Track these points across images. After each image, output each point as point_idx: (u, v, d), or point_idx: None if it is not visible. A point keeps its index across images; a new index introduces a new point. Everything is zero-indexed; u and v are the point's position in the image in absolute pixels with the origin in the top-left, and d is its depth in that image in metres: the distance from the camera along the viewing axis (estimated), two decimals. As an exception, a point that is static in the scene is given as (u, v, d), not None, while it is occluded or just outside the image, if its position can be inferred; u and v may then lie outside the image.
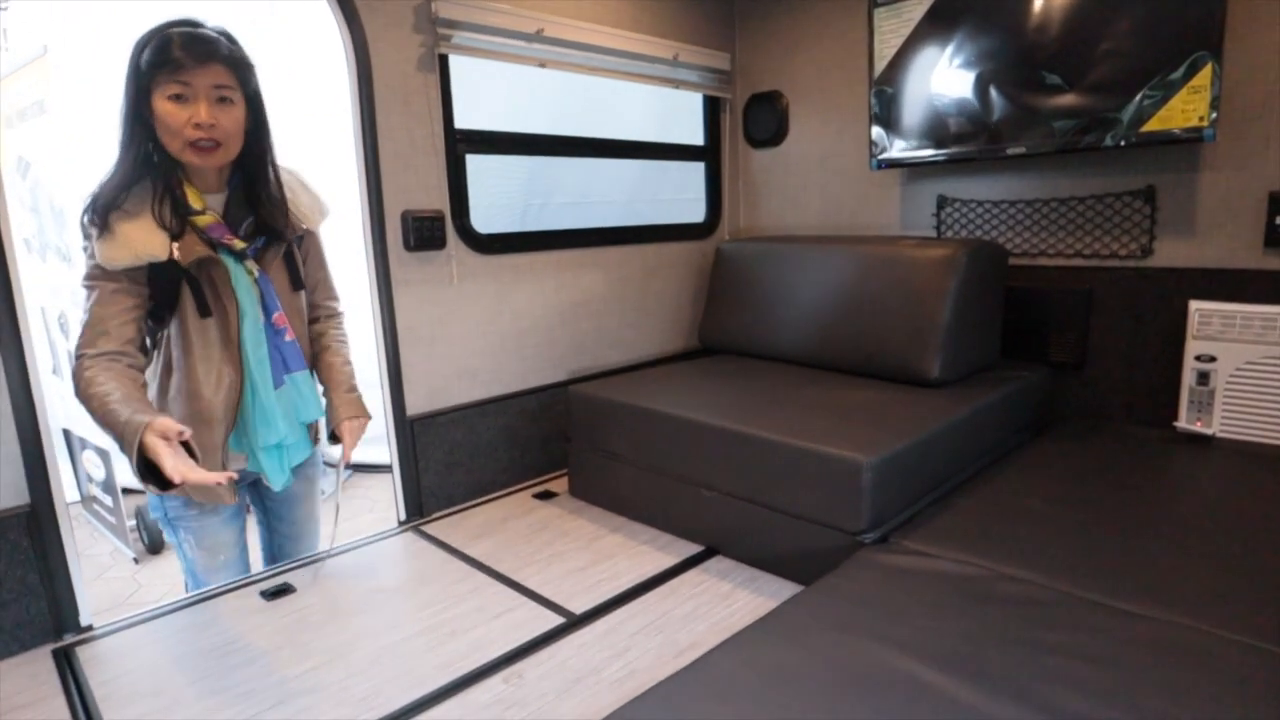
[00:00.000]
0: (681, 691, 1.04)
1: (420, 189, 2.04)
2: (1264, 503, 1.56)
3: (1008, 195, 2.33)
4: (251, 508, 1.72)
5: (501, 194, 2.72)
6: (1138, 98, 1.90)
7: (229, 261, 1.41)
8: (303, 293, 1.58)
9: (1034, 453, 1.95)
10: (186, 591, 1.66)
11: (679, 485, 1.86)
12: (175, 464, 1.15)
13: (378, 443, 2.08)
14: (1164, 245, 2.08)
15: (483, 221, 2.22)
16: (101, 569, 2.85)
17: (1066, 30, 1.99)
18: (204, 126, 1.31)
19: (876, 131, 2.43)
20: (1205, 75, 1.80)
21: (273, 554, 1.78)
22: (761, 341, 2.45)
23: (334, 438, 1.63)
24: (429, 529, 2.00)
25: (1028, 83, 2.07)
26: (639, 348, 2.70)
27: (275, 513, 1.72)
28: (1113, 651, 1.09)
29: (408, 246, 2.01)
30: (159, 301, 1.39)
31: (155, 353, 1.45)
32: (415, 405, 2.07)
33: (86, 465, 3.13)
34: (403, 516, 2.07)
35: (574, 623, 1.49)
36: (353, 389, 1.65)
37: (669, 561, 1.75)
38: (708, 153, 2.92)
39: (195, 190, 1.39)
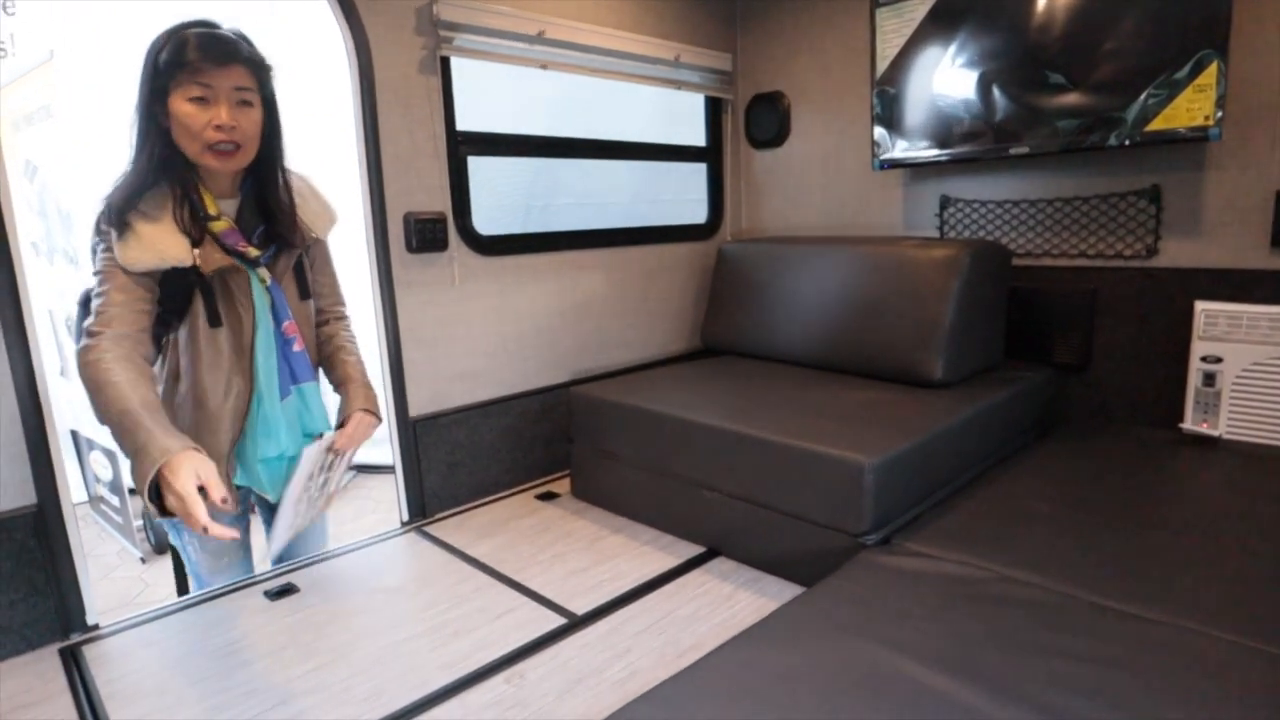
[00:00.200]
0: (683, 692, 1.04)
1: (422, 191, 2.05)
2: (1271, 505, 1.55)
3: (1011, 195, 2.32)
4: (256, 509, 1.73)
5: (503, 195, 2.72)
6: (1142, 97, 1.89)
7: (246, 269, 1.41)
8: (310, 302, 1.57)
9: (1038, 454, 1.94)
10: (192, 591, 1.67)
11: (681, 486, 1.86)
12: (203, 514, 1.11)
13: (380, 443, 2.09)
14: (1169, 245, 2.07)
15: (485, 223, 2.23)
16: (108, 568, 2.87)
17: (1070, 29, 1.98)
18: (225, 129, 1.29)
19: (879, 132, 2.42)
20: (1211, 74, 1.79)
21: (277, 555, 1.78)
22: (764, 342, 2.44)
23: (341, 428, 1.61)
24: (432, 530, 2.01)
25: (1031, 82, 2.07)
26: (641, 349, 2.71)
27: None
28: (1118, 655, 1.08)
29: (410, 248, 2.02)
30: (168, 307, 1.38)
31: (160, 358, 1.44)
32: (418, 406, 2.08)
33: (94, 466, 3.15)
34: (405, 517, 2.08)
35: (576, 623, 1.50)
36: (369, 384, 1.63)
37: (671, 562, 1.75)
38: (709, 154, 2.92)
39: (210, 195, 1.37)
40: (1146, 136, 1.91)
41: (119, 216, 1.29)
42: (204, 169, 1.35)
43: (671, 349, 2.81)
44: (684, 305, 2.84)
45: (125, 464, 2.90)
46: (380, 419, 1.64)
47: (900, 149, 2.38)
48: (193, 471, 1.13)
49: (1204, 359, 1.94)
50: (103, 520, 3.21)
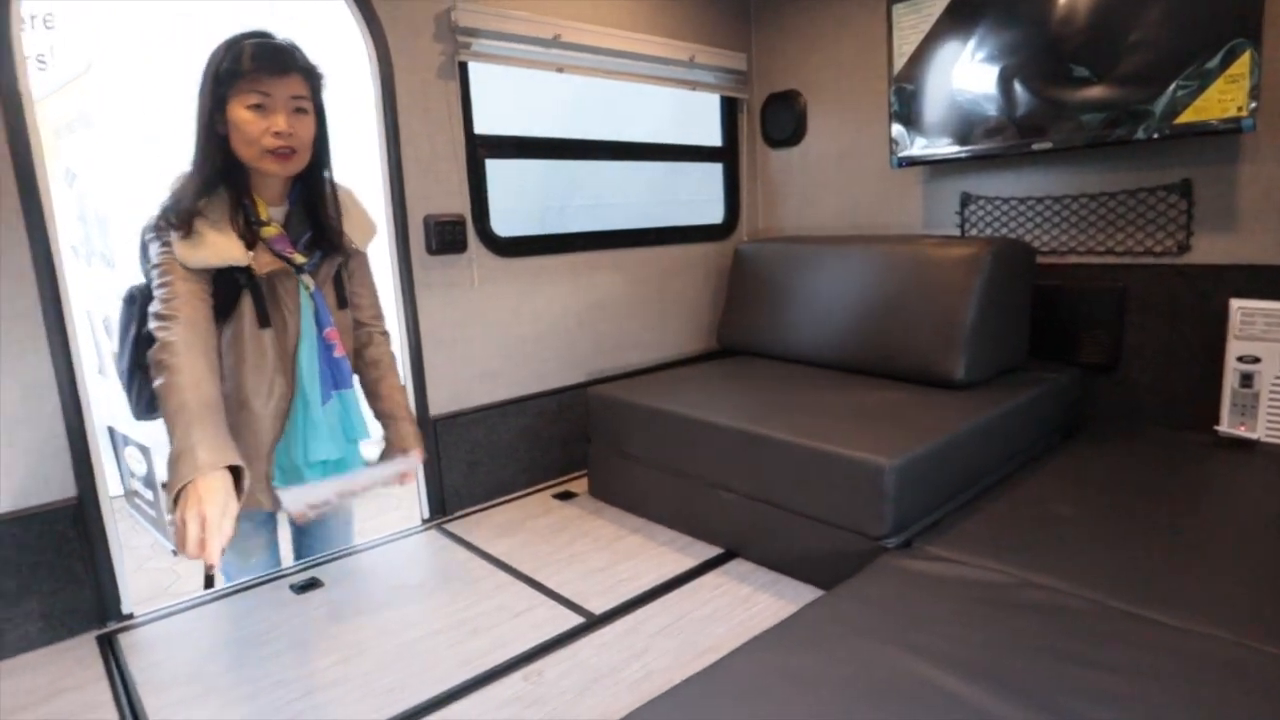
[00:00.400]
0: (700, 693, 1.04)
1: (441, 194, 2.07)
2: (1307, 509, 1.51)
3: (1034, 191, 2.28)
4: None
5: (521, 197, 2.74)
6: (1171, 88, 1.84)
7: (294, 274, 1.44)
8: (347, 311, 1.60)
9: (1064, 457, 1.91)
10: (222, 582, 1.71)
11: (698, 487, 1.86)
12: (199, 537, 1.14)
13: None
14: (1202, 241, 2.01)
15: (503, 225, 2.25)
16: (142, 560, 2.95)
17: (1094, 21, 1.94)
18: (283, 135, 1.33)
19: (897, 129, 2.40)
20: (1243, 63, 1.74)
21: (301, 554, 1.82)
22: (781, 342, 2.43)
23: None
24: (451, 527, 2.03)
25: (1054, 76, 2.03)
26: (658, 349, 2.71)
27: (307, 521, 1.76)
28: (1146, 664, 1.06)
29: (429, 250, 2.05)
30: (215, 305, 1.40)
31: None
32: (438, 405, 2.11)
33: (129, 461, 3.24)
34: (426, 515, 2.11)
35: (593, 623, 1.51)
36: (415, 420, 1.67)
37: (689, 563, 1.75)
38: (725, 154, 2.92)
39: (262, 201, 1.42)
40: (1176, 129, 1.86)
41: (183, 218, 1.32)
42: (257, 175, 1.39)
43: (688, 349, 2.81)
44: (700, 306, 2.84)
45: (159, 459, 2.99)
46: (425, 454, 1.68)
47: (919, 146, 2.36)
48: (223, 505, 1.15)
49: (1241, 359, 1.89)
50: (137, 514, 3.31)
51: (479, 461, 2.20)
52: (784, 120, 2.82)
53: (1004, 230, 2.36)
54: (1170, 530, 1.47)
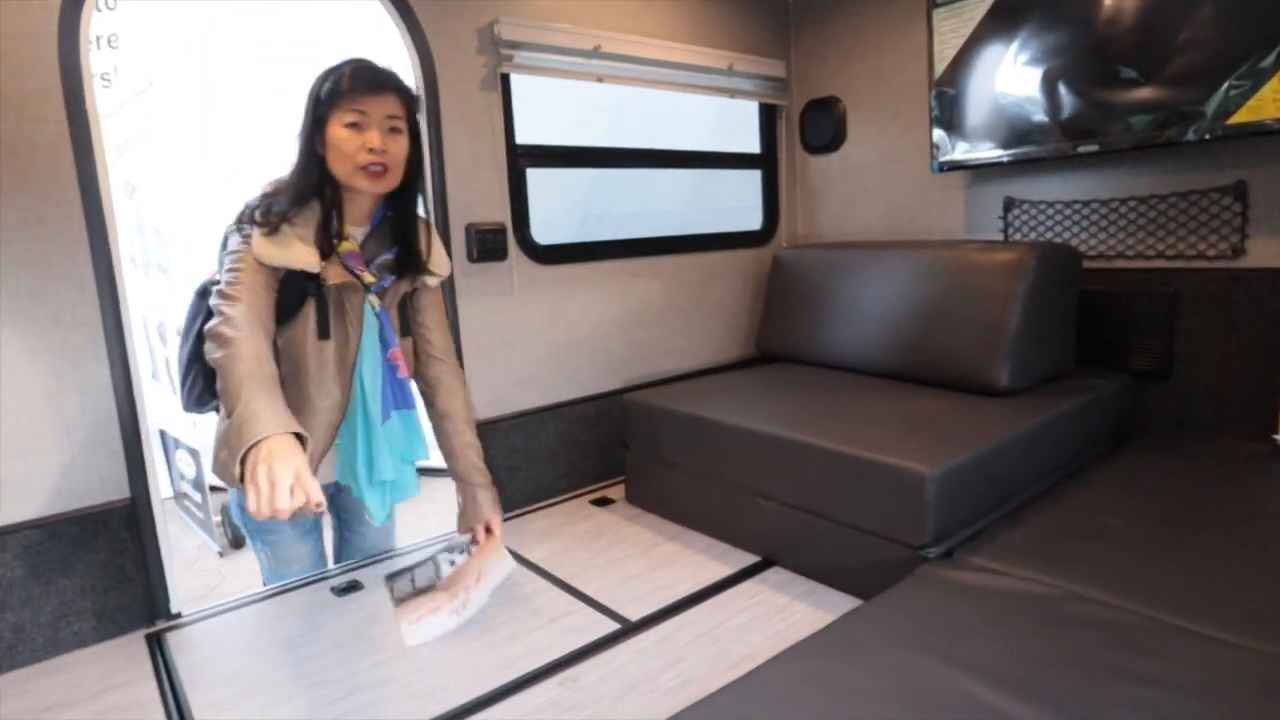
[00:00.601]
0: (735, 702, 1.03)
1: (483, 202, 2.11)
2: (1374, 523, 1.44)
3: (1080, 195, 2.22)
4: (328, 514, 1.80)
5: (561, 206, 2.78)
6: (1223, 88, 1.79)
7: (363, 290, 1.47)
8: (409, 340, 1.61)
9: (1114, 467, 1.85)
10: (264, 586, 1.75)
11: (736, 494, 1.85)
12: (267, 499, 1.07)
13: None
14: (1258, 244, 1.94)
15: (544, 233, 2.28)
16: (190, 561, 3.04)
17: (1142, 21, 1.89)
18: (376, 151, 1.36)
19: (938, 134, 2.37)
20: (1300, 62, 1.68)
21: (343, 557, 1.85)
22: (821, 349, 2.41)
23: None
24: (490, 532, 2.05)
25: (1100, 77, 1.98)
26: (696, 356, 2.71)
27: (349, 524, 1.80)
28: (1200, 681, 1.02)
29: (471, 258, 2.08)
30: (278, 306, 1.40)
31: None
32: (478, 411, 2.14)
33: (179, 464, 3.35)
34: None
35: (629, 629, 1.51)
36: (492, 483, 1.66)
37: (725, 571, 1.74)
38: (764, 160, 2.91)
39: (347, 219, 1.45)
40: (1229, 130, 1.80)
41: (271, 219, 1.36)
42: (348, 193, 1.43)
43: (726, 356, 2.80)
44: (739, 312, 2.83)
45: (208, 461, 3.08)
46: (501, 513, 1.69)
47: (961, 151, 2.32)
48: (294, 467, 1.10)
49: (1300, 366, 1.82)
50: (186, 515, 3.41)
51: (517, 467, 2.22)
52: (823, 126, 2.80)
53: (1049, 235, 2.31)
54: (1224, 542, 1.41)
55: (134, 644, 1.57)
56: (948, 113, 2.33)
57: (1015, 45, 2.14)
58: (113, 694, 1.39)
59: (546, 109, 2.42)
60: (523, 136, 2.20)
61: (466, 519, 1.65)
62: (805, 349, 2.47)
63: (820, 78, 2.81)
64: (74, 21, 1.50)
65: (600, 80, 2.32)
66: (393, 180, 1.42)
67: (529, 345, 2.25)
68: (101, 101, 1.62)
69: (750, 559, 1.80)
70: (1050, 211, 2.29)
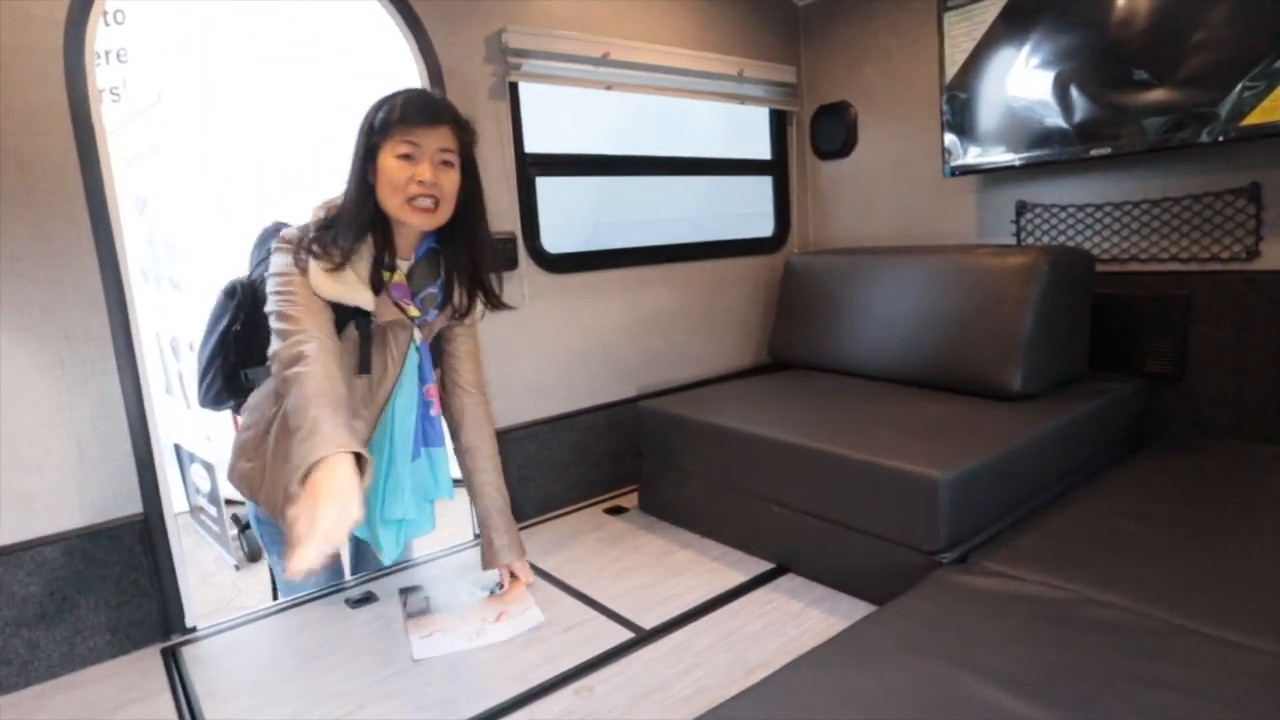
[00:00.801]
0: (750, 709, 1.03)
1: (493, 212, 2.08)
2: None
3: (1093, 198, 2.21)
4: None
5: (571, 214, 2.78)
6: (1237, 89, 1.77)
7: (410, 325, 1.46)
8: (438, 371, 1.59)
9: (1128, 470, 1.83)
10: (280, 597, 1.76)
11: (750, 501, 1.84)
12: (305, 554, 1.05)
13: (454, 458, 2.16)
14: (1273, 246, 1.92)
15: (554, 241, 2.28)
16: (206, 575, 3.05)
17: (1155, 22, 1.88)
18: (427, 184, 1.32)
19: (949, 138, 2.36)
20: (1315, 62, 1.67)
21: (358, 568, 1.86)
22: (833, 355, 2.40)
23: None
24: (503, 542, 2.05)
25: (1112, 80, 1.98)
26: (708, 363, 2.70)
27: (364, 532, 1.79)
28: (1217, 685, 1.01)
29: (481, 268, 2.09)
30: None
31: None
32: (490, 421, 2.14)
33: (194, 478, 3.37)
34: (477, 530, 2.13)
35: (643, 638, 1.50)
36: (514, 526, 1.65)
37: (739, 578, 1.74)
38: (775, 167, 2.91)
39: (395, 252, 1.43)
40: (1242, 131, 1.79)
41: (336, 260, 1.34)
42: (397, 225, 1.39)
43: (739, 363, 2.79)
44: (751, 319, 2.82)
45: (222, 475, 3.09)
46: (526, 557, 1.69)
47: (973, 155, 2.31)
48: (343, 499, 1.10)
49: (1317, 368, 1.80)
50: (201, 529, 3.42)
51: (529, 477, 2.22)
52: (834, 132, 2.80)
53: (1061, 238, 2.30)
54: (1239, 545, 1.40)
55: (149, 659, 1.57)
56: (959, 117, 2.32)
57: (1027, 48, 2.13)
58: (129, 709, 1.39)
59: (555, 117, 2.43)
60: (531, 145, 2.21)
61: (485, 560, 1.64)
62: (818, 355, 2.46)
63: (831, 83, 2.81)
64: (79, 35, 1.51)
65: (609, 88, 2.33)
66: (442, 216, 1.38)
67: (540, 354, 2.25)
68: (111, 116, 1.63)
69: (764, 566, 1.79)
70: (1063, 215, 2.28)
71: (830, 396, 2.13)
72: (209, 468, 3.14)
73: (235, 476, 1.53)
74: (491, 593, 1.68)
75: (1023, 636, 1.16)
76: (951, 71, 2.31)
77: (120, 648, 1.60)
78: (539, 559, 1.90)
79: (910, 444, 1.63)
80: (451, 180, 1.37)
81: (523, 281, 2.19)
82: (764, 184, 2.93)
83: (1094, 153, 2.05)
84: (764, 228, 2.93)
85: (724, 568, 1.80)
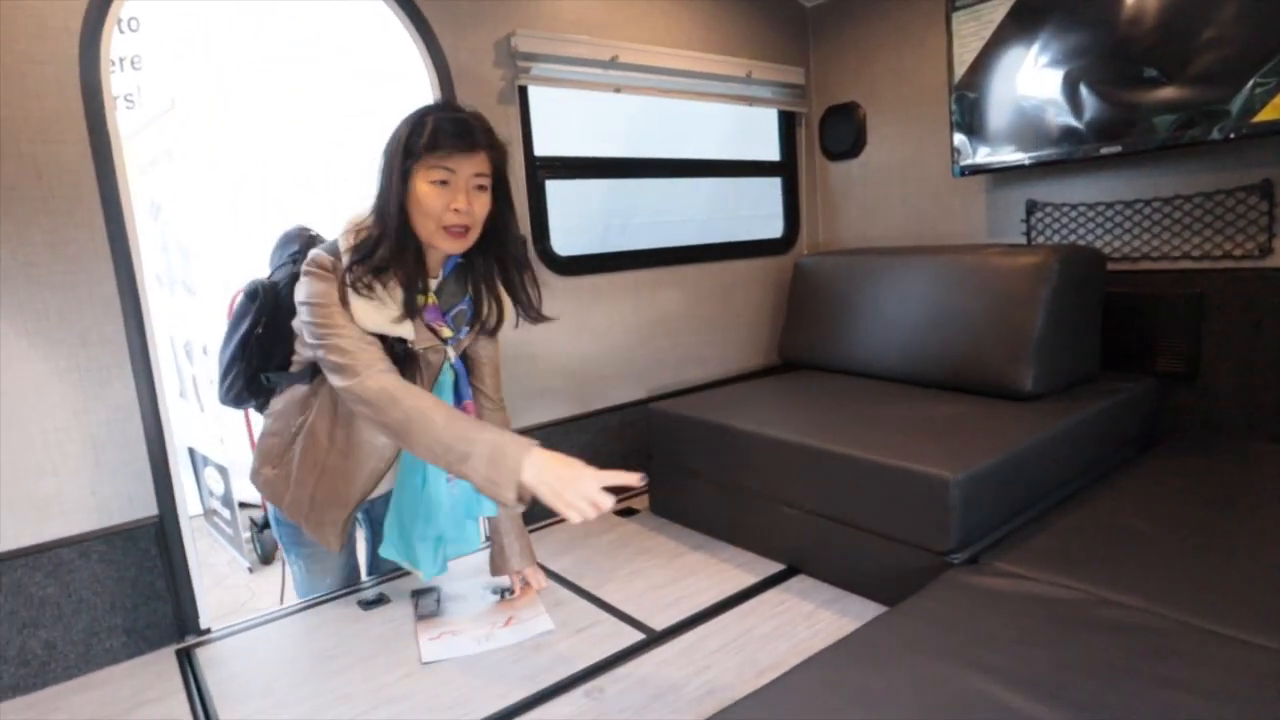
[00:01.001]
0: (761, 711, 1.03)
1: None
2: None
3: (1104, 197, 2.20)
4: (359, 525, 1.81)
5: (581, 217, 2.79)
6: (1248, 86, 1.76)
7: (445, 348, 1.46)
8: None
9: (1141, 470, 1.82)
10: (297, 598, 1.77)
11: (760, 503, 1.84)
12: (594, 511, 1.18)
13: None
14: (1287, 244, 1.91)
15: (564, 244, 2.29)
16: (220, 577, 3.07)
17: (1165, 20, 1.87)
18: (462, 212, 1.31)
19: (959, 138, 2.35)
20: (1328, 57, 1.65)
21: (374, 569, 1.87)
22: (844, 356, 2.40)
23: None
24: (513, 544, 2.05)
25: (1122, 78, 1.97)
26: (719, 365, 2.70)
27: (381, 535, 1.80)
28: (1225, 684, 1.00)
29: (491, 271, 2.10)
30: None
31: (321, 390, 1.47)
32: (499, 423, 2.15)
33: (208, 481, 3.39)
34: (489, 532, 2.13)
35: (654, 639, 1.50)
36: (525, 533, 1.67)
37: (750, 580, 1.74)
38: (784, 168, 2.91)
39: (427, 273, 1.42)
40: (1254, 128, 1.78)
41: (380, 296, 1.34)
42: (426, 247, 1.38)
43: (749, 364, 2.79)
44: (761, 320, 2.82)
45: (236, 479, 3.11)
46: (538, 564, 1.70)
47: (982, 154, 2.31)
48: (587, 477, 1.21)
49: (1333, 366, 1.78)
50: (215, 532, 3.45)
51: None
52: (843, 132, 2.80)
53: (1072, 237, 2.29)
54: (1254, 545, 1.39)
55: (164, 660, 1.59)
56: (968, 116, 2.32)
57: (1036, 47, 2.12)
58: (144, 709, 1.41)
59: (564, 120, 2.44)
60: (541, 148, 2.21)
61: (495, 565, 1.65)
62: (828, 356, 2.46)
63: (839, 84, 2.81)
64: (94, 44, 1.53)
65: (618, 90, 2.33)
66: (471, 239, 1.37)
67: (551, 357, 2.26)
68: (125, 122, 1.65)
69: (775, 567, 1.79)
70: (1073, 214, 2.27)
71: (841, 397, 2.12)
72: (223, 471, 3.16)
73: (259, 481, 1.54)
74: (502, 597, 1.69)
75: (1035, 637, 1.15)
76: (960, 71, 2.31)
77: (136, 649, 1.61)
78: (549, 560, 1.91)
79: (921, 444, 1.62)
80: (483, 204, 1.36)
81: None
82: (773, 185, 2.93)
83: (1104, 151, 2.04)
84: (773, 229, 2.93)
85: (735, 569, 1.80)
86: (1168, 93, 1.90)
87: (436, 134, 1.29)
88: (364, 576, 1.84)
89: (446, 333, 1.45)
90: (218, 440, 3.20)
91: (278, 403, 1.53)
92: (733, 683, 1.33)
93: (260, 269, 1.63)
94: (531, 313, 1.52)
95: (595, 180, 2.62)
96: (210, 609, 1.72)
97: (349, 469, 1.47)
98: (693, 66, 2.46)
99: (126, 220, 1.58)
